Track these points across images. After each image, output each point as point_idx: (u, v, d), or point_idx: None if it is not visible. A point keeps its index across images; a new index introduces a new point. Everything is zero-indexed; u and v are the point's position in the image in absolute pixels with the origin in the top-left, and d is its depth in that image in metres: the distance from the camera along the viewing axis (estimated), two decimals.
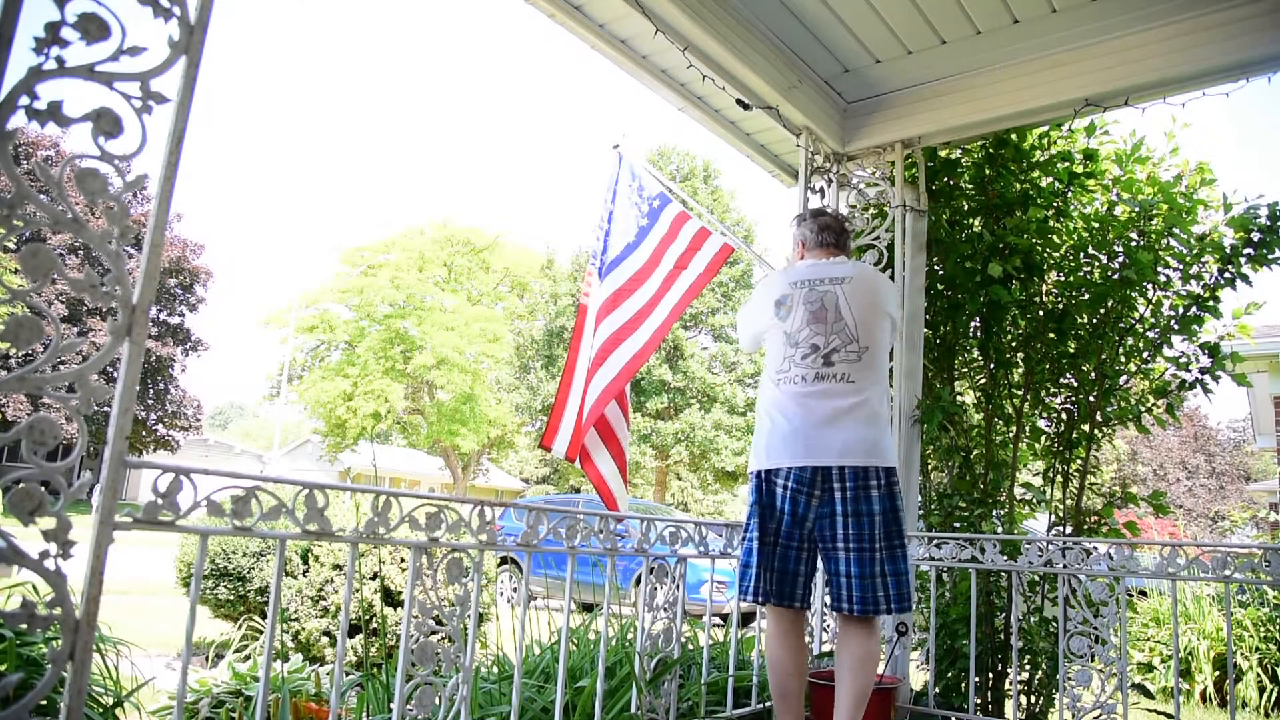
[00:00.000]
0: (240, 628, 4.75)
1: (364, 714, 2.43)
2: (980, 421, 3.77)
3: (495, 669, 2.81)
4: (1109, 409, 3.60)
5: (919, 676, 3.58)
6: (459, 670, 1.86)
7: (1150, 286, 3.57)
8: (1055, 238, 3.75)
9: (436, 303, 27.99)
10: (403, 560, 4.69)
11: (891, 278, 3.69)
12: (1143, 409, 3.61)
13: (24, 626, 1.12)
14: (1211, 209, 3.51)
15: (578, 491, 27.16)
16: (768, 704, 2.97)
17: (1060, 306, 3.72)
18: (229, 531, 1.50)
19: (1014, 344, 3.80)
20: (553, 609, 3.77)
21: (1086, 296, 3.63)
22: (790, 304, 2.54)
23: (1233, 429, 30.15)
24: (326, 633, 4.55)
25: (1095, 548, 2.89)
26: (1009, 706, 3.39)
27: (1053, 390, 3.75)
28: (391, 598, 4.60)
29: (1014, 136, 3.78)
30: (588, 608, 6.45)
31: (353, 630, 4.59)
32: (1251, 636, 5.42)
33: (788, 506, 2.39)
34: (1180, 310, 3.54)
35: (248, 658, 3.61)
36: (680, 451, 23.07)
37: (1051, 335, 3.70)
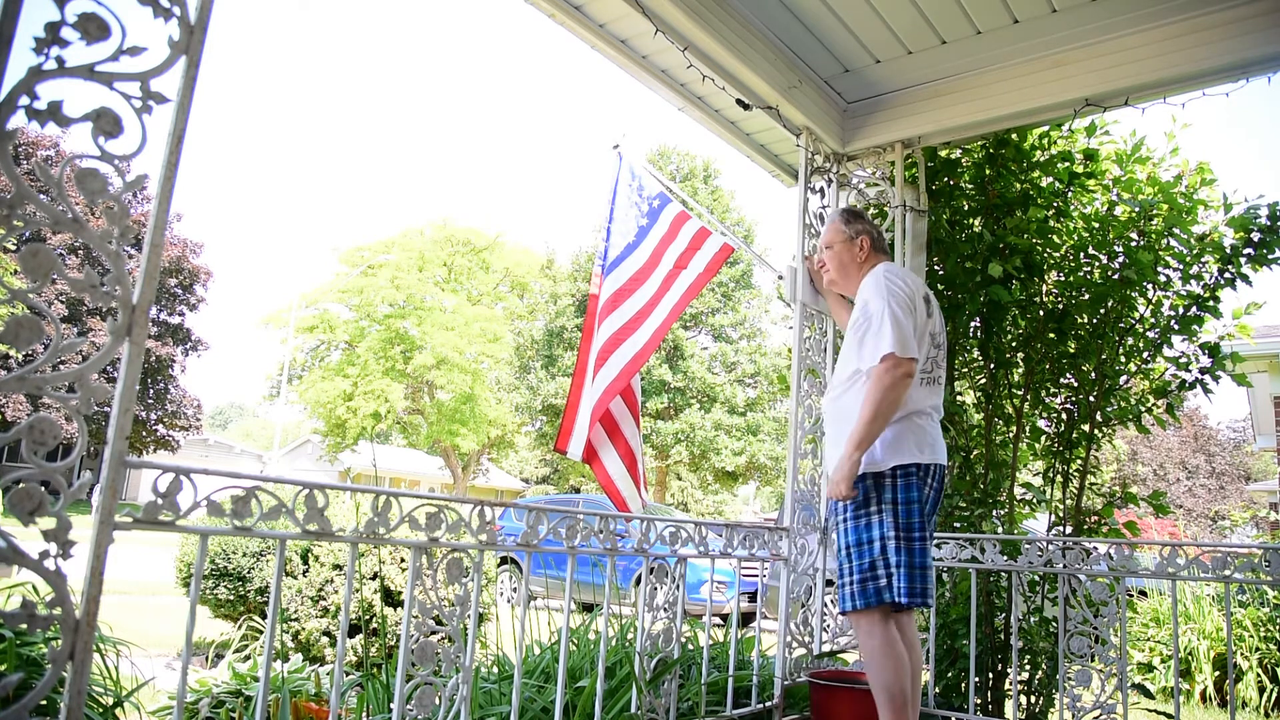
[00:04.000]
0: (240, 628, 4.74)
1: (364, 714, 2.43)
2: (980, 421, 3.77)
3: (495, 669, 2.81)
4: (1109, 409, 3.60)
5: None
6: (459, 670, 1.86)
7: (1150, 286, 3.57)
8: (1055, 238, 3.75)
9: (436, 303, 27.98)
10: (403, 560, 4.69)
11: None
12: (1143, 409, 3.61)
13: (24, 626, 1.12)
14: (1211, 209, 3.51)
15: (578, 491, 27.15)
16: (768, 704, 2.97)
17: (1060, 306, 3.72)
18: (229, 531, 1.50)
19: (1014, 344, 3.79)
20: (553, 609, 3.77)
21: (1086, 296, 3.63)
22: (928, 303, 2.64)
23: (1233, 429, 30.13)
24: (326, 633, 4.55)
25: (1095, 548, 2.89)
26: (1009, 706, 3.39)
27: (1053, 390, 3.75)
28: (391, 598, 4.60)
29: (1014, 136, 3.78)
30: (588, 608, 6.45)
31: (353, 630, 4.59)
32: (1251, 636, 5.42)
33: (930, 506, 2.52)
34: (1180, 310, 3.53)
35: (248, 658, 3.61)
36: (680, 451, 23.04)
37: (1051, 335, 3.70)
